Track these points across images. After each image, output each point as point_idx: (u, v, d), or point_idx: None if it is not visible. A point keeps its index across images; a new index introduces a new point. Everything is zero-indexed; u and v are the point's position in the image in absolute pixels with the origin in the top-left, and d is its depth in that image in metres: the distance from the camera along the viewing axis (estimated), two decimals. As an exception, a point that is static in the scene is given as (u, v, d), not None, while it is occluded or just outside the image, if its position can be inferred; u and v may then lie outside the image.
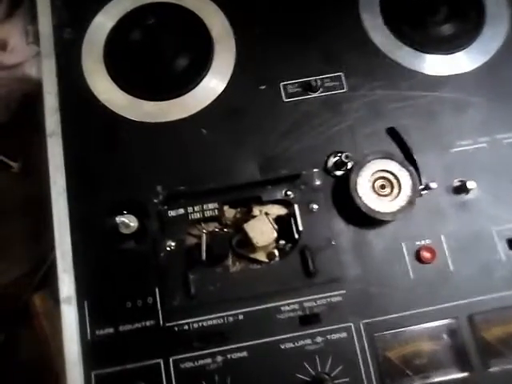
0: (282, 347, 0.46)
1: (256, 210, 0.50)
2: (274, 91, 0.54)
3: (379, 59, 0.56)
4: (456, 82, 0.55)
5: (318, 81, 0.54)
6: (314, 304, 0.47)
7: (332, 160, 0.51)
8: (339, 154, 0.50)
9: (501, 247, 0.49)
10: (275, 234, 0.48)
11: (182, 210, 0.49)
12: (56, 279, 0.48)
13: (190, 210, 0.49)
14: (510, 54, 0.56)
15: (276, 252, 0.50)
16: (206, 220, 0.50)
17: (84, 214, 0.50)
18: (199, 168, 0.51)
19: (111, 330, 0.46)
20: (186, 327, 0.47)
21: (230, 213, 0.51)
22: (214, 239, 0.48)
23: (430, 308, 0.47)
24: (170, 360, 0.46)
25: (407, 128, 0.52)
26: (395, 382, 0.46)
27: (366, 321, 0.47)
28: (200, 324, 0.47)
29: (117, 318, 0.47)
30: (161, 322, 0.47)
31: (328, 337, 0.47)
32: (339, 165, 0.51)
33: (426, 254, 0.49)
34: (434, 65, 0.56)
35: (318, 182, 0.51)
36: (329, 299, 0.48)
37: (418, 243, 0.49)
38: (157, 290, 0.47)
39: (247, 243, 0.48)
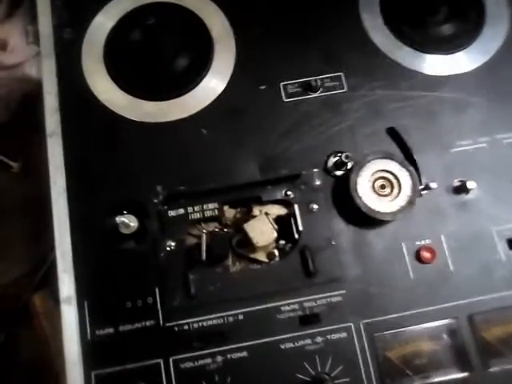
0: (282, 347, 0.46)
1: (256, 210, 0.50)
2: (274, 91, 0.54)
3: (379, 59, 0.56)
4: (456, 82, 0.55)
5: (318, 81, 0.54)
6: (314, 304, 0.47)
7: (332, 160, 0.51)
8: (339, 154, 0.50)
9: (501, 247, 0.49)
10: (275, 234, 0.48)
11: (181, 210, 0.49)
12: (56, 279, 0.48)
13: (190, 210, 0.49)
14: (510, 53, 0.56)
15: (276, 252, 0.50)
16: (206, 220, 0.50)
17: (84, 214, 0.50)
18: (199, 168, 0.51)
19: (111, 330, 0.46)
20: (186, 327, 0.47)
21: (229, 213, 0.51)
22: (214, 239, 0.48)
23: (430, 308, 0.47)
24: (170, 360, 0.46)
25: (407, 128, 0.52)
26: (395, 381, 0.46)
27: (366, 321, 0.47)
28: (200, 324, 0.47)
29: (117, 317, 0.47)
30: (161, 322, 0.47)
31: (328, 337, 0.47)
32: (339, 165, 0.51)
33: (425, 254, 0.49)
34: (434, 65, 0.56)
35: (317, 182, 0.51)
36: (329, 299, 0.47)
37: (417, 243, 0.49)
38: (157, 290, 0.47)
39: (247, 243, 0.48)
